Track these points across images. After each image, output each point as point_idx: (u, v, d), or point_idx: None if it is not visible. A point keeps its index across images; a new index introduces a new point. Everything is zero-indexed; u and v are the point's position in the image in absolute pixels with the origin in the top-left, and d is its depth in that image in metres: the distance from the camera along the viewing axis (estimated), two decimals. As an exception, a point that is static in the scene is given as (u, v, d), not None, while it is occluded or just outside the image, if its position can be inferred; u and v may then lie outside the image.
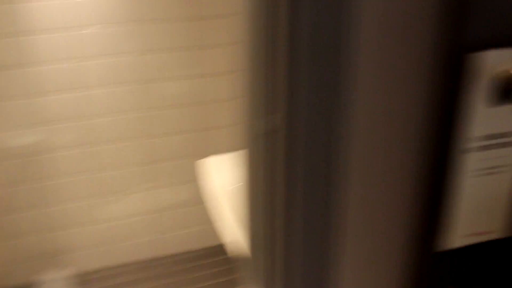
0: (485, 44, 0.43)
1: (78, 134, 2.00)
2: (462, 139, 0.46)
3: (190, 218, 2.31)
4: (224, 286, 2.16)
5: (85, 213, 2.13)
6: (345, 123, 0.42)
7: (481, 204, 0.49)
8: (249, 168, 0.54)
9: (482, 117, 0.45)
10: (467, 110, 0.45)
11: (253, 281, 0.58)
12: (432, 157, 0.45)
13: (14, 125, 1.92)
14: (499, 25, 0.43)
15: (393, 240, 0.48)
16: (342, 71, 0.41)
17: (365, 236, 0.47)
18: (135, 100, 2.03)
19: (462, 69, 0.43)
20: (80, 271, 2.20)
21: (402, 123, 0.43)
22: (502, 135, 0.47)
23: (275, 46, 0.43)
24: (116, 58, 1.95)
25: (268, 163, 0.48)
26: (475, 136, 0.46)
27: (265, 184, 0.49)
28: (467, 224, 0.49)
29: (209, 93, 2.12)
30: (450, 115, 0.44)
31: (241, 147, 0.58)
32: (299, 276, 0.49)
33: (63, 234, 2.14)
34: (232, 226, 1.21)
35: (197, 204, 2.27)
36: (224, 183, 1.37)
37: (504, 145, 0.47)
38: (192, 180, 2.21)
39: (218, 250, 2.29)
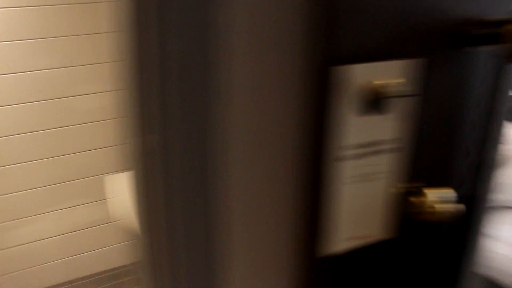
0: (352, 58, 0.45)
1: (-23, 154, 1.87)
2: (336, 148, 0.48)
3: (107, 236, 2.23)
4: (146, 303, 2.10)
5: (-10, 239, 1.99)
6: (221, 139, 0.42)
7: (359, 209, 0.51)
8: (135, 186, 0.52)
9: (353, 127, 0.48)
10: (338, 120, 0.47)
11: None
12: (308, 166, 0.47)
13: None
14: (364, 40, 0.46)
15: (278, 248, 0.49)
16: (213, 91, 0.41)
17: (250, 246, 0.48)
18: (43, 118, 1.93)
19: (331, 82, 0.45)
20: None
21: (277, 136, 0.45)
22: (373, 144, 0.49)
23: (148, 68, 0.43)
24: (20, 75, 1.85)
25: (150, 182, 0.47)
26: (348, 145, 0.48)
27: (147, 202, 0.48)
28: (347, 228, 0.51)
29: (119, 108, 2.07)
30: (322, 125, 0.46)
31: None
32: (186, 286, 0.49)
33: (-35, 264, 1.97)
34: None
35: (113, 221, 2.20)
36: (127, 199, 1.33)
37: (375, 153, 0.50)
38: (106, 197, 2.13)
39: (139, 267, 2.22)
